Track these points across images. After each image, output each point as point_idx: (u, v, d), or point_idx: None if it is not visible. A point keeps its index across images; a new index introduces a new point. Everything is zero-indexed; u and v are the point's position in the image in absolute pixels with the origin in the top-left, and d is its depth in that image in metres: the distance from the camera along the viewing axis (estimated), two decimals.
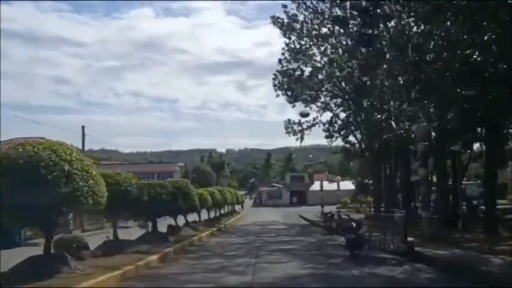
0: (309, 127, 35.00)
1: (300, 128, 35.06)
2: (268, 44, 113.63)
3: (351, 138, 33.96)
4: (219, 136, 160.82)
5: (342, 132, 33.97)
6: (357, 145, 33.88)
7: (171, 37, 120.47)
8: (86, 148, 34.17)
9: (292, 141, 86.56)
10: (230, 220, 31.16)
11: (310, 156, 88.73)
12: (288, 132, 35.44)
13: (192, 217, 21.42)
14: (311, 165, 79.60)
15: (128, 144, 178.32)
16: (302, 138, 35.32)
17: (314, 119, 34.64)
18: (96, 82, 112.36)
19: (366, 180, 64.17)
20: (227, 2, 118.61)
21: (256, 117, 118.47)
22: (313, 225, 27.78)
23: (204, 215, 25.15)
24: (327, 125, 34.33)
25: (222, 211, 32.52)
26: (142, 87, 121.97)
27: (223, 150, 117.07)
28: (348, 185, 61.90)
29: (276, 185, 69.36)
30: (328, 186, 67.82)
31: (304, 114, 34.29)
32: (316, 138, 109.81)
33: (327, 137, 33.94)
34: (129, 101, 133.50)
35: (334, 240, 15.87)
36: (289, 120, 35.14)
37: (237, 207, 44.14)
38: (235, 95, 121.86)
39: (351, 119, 33.57)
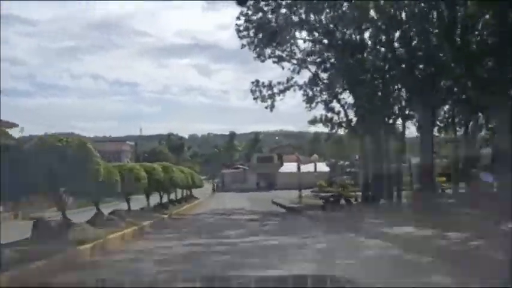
0: (282, 91, 27.94)
1: (270, 91, 27.94)
2: (231, 27, 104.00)
3: (335, 104, 27.23)
4: (181, 121, 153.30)
5: (324, 96, 27.17)
6: (342, 113, 27.16)
7: (130, 18, 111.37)
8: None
9: (257, 126, 79.76)
10: (182, 208, 23.77)
11: (277, 138, 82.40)
12: (255, 98, 28.19)
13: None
14: (278, 148, 73.12)
15: (86, 128, 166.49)
16: (273, 105, 28.22)
17: (288, 81, 27.63)
18: (51, 63, 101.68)
19: (342, 162, 58.23)
20: None
21: (220, 102, 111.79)
22: (295, 214, 20.86)
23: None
24: (304, 88, 27.46)
25: (173, 196, 25.14)
26: (101, 70, 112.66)
27: (186, 136, 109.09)
28: (321, 167, 55.66)
29: (240, 166, 62.20)
30: (295, 168, 63.29)
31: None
32: (283, 123, 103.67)
33: (306, 101, 27.05)
34: (88, 84, 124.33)
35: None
36: (257, 81, 27.87)
37: (198, 194, 37.00)
38: (198, 79, 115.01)
39: (333, 80, 26.75)
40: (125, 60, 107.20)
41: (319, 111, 28.10)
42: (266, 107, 28.24)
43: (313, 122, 28.47)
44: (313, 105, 27.06)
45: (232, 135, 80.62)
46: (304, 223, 16.03)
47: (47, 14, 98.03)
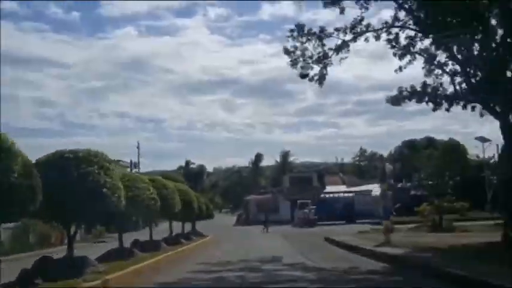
0: (341, 47, 15.80)
1: (319, 48, 15.83)
2: (253, 62, 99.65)
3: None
4: (205, 156, 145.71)
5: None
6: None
7: (156, 56, 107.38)
8: None
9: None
10: (162, 255, 11.74)
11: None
12: (294, 64, 16.07)
13: None
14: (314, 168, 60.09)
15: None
16: (322, 76, 16.04)
17: (356, 25, 15.49)
18: (80, 103, 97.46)
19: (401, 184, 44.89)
20: (210, 20, 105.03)
21: (243, 136, 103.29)
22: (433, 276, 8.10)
23: None
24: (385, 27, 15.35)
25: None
26: (128, 108, 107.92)
27: (211, 169, 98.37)
28: (374, 190, 42.55)
29: (268, 191, 49.13)
30: (344, 192, 46.73)
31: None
32: (309, 154, 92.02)
33: (393, 46, 15.00)
34: (114, 122, 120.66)
35: None
36: (299, 27, 15.89)
37: (211, 228, 24.97)
38: (222, 114, 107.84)
39: None
40: (150, 98, 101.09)
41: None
42: (311, 78, 16.27)
43: (398, 99, 16.11)
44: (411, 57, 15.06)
45: (259, 156, 67.72)
46: None
47: (76, 55, 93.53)
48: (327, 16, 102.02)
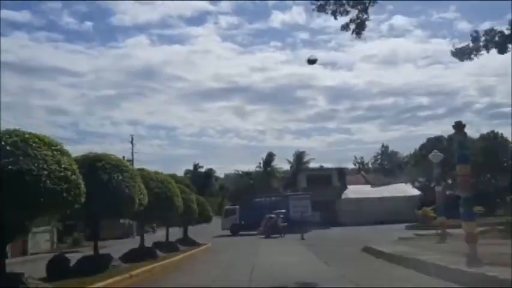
0: None
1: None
2: (265, 69, 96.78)
3: None
4: (217, 162, 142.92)
5: None
6: None
7: (168, 65, 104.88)
8: None
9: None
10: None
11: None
12: (321, 8, 11.49)
13: None
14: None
15: None
16: (363, 22, 11.45)
17: None
18: (92, 111, 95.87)
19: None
20: (222, 28, 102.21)
21: (255, 142, 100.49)
22: None
23: None
24: None
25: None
26: (140, 115, 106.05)
27: (222, 175, 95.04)
28: (403, 189, 37.46)
29: (280, 193, 43.18)
30: (369, 191, 39.94)
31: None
32: (322, 161, 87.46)
33: None
34: (127, 130, 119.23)
35: None
36: None
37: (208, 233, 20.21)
38: (233, 121, 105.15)
39: None
40: (162, 105, 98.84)
41: None
42: (345, 27, 11.70)
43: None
44: None
45: (271, 155, 62.59)
46: None
47: (89, 64, 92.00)
48: (337, 23, 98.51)
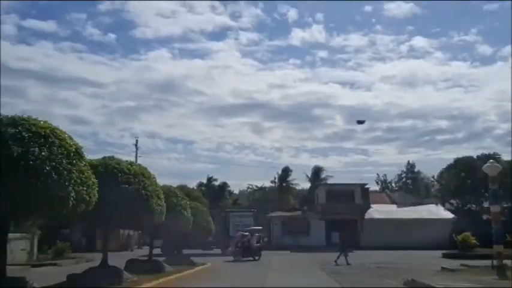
0: None
1: None
2: (283, 87, 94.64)
3: None
4: (233, 178, 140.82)
5: None
6: None
7: (188, 79, 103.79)
8: None
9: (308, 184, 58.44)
10: None
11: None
12: None
13: None
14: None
15: None
16: None
17: None
18: (112, 122, 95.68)
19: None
20: (242, 44, 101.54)
21: (272, 159, 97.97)
22: None
23: None
24: None
25: None
26: (159, 128, 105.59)
27: (237, 191, 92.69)
28: (434, 211, 33.58)
29: (298, 209, 39.10)
30: (396, 212, 36.02)
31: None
32: (338, 179, 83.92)
33: None
34: (145, 142, 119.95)
35: None
36: None
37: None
38: (251, 137, 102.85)
39: None
40: (181, 119, 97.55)
41: None
42: None
43: None
44: None
45: (287, 170, 58.93)
46: None
47: (111, 75, 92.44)
48: (357, 42, 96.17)
